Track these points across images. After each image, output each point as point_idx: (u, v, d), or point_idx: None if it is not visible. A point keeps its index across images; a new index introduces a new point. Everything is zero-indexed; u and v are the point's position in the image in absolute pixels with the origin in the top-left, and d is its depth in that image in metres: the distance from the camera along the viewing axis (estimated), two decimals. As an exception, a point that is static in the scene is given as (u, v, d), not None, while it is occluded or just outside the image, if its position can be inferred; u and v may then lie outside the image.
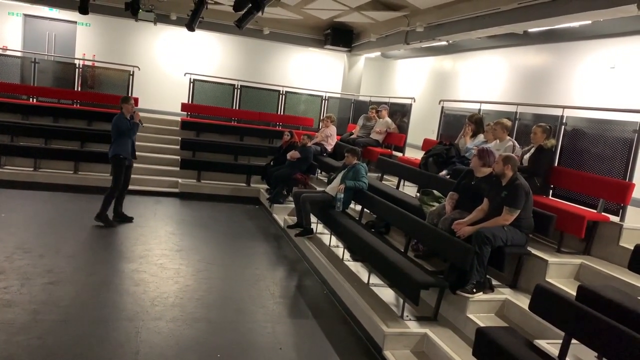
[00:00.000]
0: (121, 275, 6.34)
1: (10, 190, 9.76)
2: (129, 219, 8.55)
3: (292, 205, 9.18)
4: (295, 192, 8.60)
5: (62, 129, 11.35)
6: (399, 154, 10.44)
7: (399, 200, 7.23)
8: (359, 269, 6.73)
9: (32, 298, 5.32)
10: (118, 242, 7.69)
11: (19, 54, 13.23)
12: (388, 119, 10.97)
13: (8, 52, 13.10)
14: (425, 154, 8.39)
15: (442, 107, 9.80)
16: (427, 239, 5.99)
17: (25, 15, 13.78)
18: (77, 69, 12.88)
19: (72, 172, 10.80)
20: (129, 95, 12.19)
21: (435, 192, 6.72)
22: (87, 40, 14.91)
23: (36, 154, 10.72)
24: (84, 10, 10.80)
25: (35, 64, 12.43)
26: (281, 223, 9.30)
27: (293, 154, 10.27)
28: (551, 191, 6.55)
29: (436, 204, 6.44)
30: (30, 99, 12.44)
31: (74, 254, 6.83)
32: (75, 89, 12.86)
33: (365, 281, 6.20)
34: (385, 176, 10.09)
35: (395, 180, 9.52)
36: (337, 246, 7.62)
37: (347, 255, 7.16)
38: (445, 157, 7.96)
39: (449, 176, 7.41)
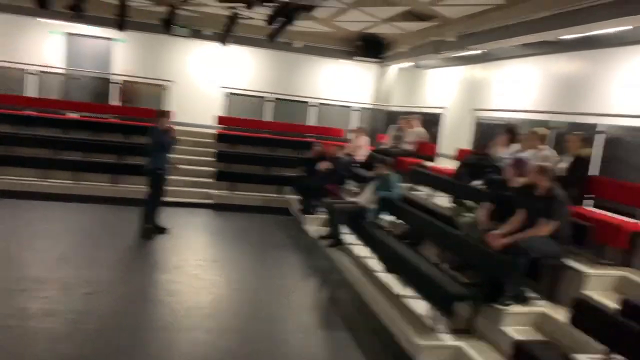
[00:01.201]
0: (156, 286, 6.46)
1: (51, 203, 10.07)
2: (165, 230, 8.69)
3: (324, 216, 9.20)
4: (327, 202, 8.62)
5: (100, 143, 11.69)
6: (431, 164, 10.36)
7: (432, 211, 7.16)
8: (392, 281, 6.68)
9: (71, 307, 5.47)
10: (154, 252, 7.84)
11: (60, 70, 13.71)
12: (419, 129, 10.91)
13: (50, 69, 13.58)
14: (458, 163, 8.29)
15: (475, 116, 9.68)
16: (461, 251, 5.91)
17: (66, 34, 14.27)
18: (114, 84, 13.25)
19: (109, 184, 11.08)
20: (163, 109, 12.47)
21: (469, 202, 6.64)
22: (123, 56, 15.34)
23: (75, 167, 11.05)
24: (121, 28, 11.14)
25: (75, 80, 12.86)
26: (313, 234, 9.33)
27: (324, 165, 10.30)
28: (588, 201, 6.39)
29: (470, 215, 6.36)
30: (71, 114, 12.86)
31: (111, 265, 7.00)
32: (112, 104, 13.24)
33: (398, 293, 6.15)
34: (417, 186, 10.01)
35: (427, 190, 9.44)
36: (369, 257, 7.59)
37: (379, 267, 7.12)
38: (479, 167, 7.86)
39: (483, 186, 7.30)
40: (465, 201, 6.66)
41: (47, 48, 13.90)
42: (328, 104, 14.22)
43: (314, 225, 9.60)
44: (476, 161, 7.96)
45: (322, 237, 8.42)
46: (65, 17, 11.43)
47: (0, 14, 12.82)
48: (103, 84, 13.43)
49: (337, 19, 12.19)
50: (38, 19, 12.86)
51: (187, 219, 10.01)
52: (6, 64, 12.65)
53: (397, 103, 15.48)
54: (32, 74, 12.80)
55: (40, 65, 13.12)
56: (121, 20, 10.91)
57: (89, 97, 13.15)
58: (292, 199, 11.40)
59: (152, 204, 8.36)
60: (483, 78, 14.30)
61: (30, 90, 12.87)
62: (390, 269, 7.00)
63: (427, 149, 10.69)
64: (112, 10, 11.14)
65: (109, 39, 14.30)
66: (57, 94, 13.02)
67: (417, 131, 10.87)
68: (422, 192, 9.46)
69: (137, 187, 10.68)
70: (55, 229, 8.54)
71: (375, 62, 15.20)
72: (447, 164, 9.83)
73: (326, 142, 11.70)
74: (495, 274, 4.99)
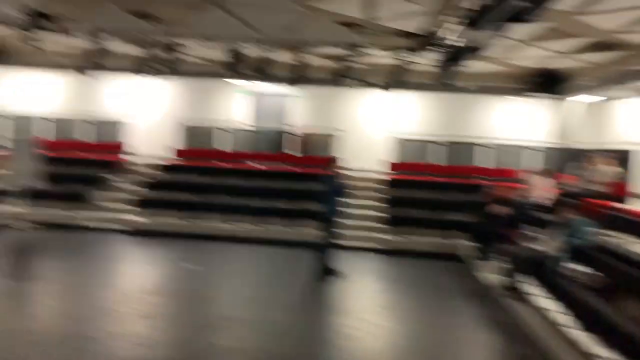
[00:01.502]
0: (332, 329, 6.60)
1: (236, 244, 11.05)
2: (339, 274, 8.81)
3: (501, 264, 8.64)
4: (504, 249, 8.11)
5: (280, 190, 12.63)
6: (626, 207, 9.19)
7: (629, 260, 6.30)
8: (585, 339, 5.95)
9: (257, 346, 5.82)
10: (328, 295, 8.07)
11: (244, 126, 15.29)
12: (610, 168, 9.81)
13: (236, 125, 15.22)
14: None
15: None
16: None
17: (252, 93, 15.89)
18: (290, 136, 14.34)
19: (289, 228, 11.81)
20: (335, 156, 13.06)
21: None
22: (300, 109, 16.54)
23: (256, 212, 12.03)
24: (296, 84, 12.07)
25: (257, 134, 14.22)
26: (489, 282, 8.78)
27: (500, 209, 9.76)
28: None
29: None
30: (253, 164, 14.18)
31: (290, 306, 7.36)
32: (289, 153, 14.30)
33: (594, 353, 5.44)
34: (609, 232, 8.92)
35: (621, 236, 8.35)
36: (556, 310, 6.88)
37: (567, 321, 6.40)
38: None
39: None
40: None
41: (235, 106, 15.57)
42: (502, 144, 13.58)
43: (490, 273, 9.05)
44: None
45: (500, 287, 7.89)
46: (250, 78, 12.77)
47: (197, 79, 14.78)
48: (281, 136, 14.62)
49: (510, 55, 11.74)
50: (227, 81, 14.54)
51: (359, 263, 10.17)
52: (201, 122, 14.52)
53: (579, 140, 14.19)
54: (222, 129, 14.46)
55: (228, 122, 14.78)
56: (298, 78, 11.82)
57: (268, 149, 14.41)
58: (466, 244, 10.95)
59: (325, 247, 8.67)
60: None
61: (221, 144, 14.50)
62: (580, 324, 6.26)
63: (618, 190, 9.55)
64: (290, 69, 12.15)
65: (286, 95, 15.55)
66: (242, 146, 14.49)
67: (608, 170, 9.78)
68: (618, 239, 8.40)
69: (313, 231, 11.23)
70: (240, 270, 9.30)
71: (552, 97, 14.20)
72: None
73: (501, 184, 11.11)
74: None
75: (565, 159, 12.81)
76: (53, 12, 8.86)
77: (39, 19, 8.76)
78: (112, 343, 5.59)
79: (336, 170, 8.74)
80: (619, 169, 9.70)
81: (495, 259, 9.54)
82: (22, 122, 14.86)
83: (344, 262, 9.57)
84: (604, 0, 7.55)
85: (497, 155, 13.46)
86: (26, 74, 15.07)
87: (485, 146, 13.38)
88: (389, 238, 11.40)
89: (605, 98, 14.61)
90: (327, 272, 8.80)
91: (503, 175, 12.91)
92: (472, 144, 13.53)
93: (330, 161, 8.99)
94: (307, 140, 14.52)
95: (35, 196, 11.78)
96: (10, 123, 14.92)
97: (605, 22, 8.73)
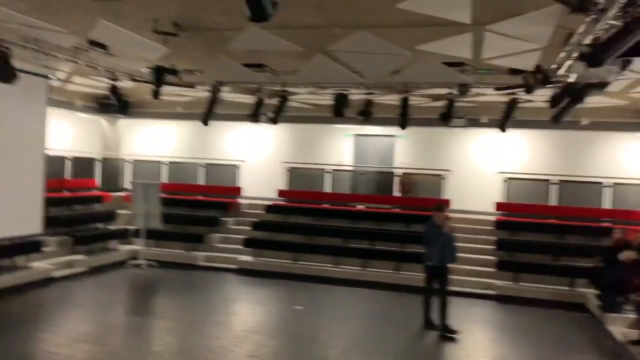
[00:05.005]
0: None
1: (342, 287, 11.00)
2: (452, 332, 7.90)
3: (632, 316, 7.80)
4: (636, 300, 7.33)
5: (384, 232, 12.49)
6: None
7: None
8: None
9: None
10: (437, 344, 7.70)
11: (350, 167, 15.46)
12: None
13: (342, 167, 15.44)
14: None
15: None
16: None
17: (356, 135, 16.11)
18: (395, 177, 14.26)
19: (393, 271, 11.59)
20: (442, 202, 12.74)
21: None
22: (404, 150, 16.43)
23: (363, 255, 11.95)
24: (403, 125, 12.02)
25: (362, 175, 14.30)
26: (619, 337, 7.94)
27: (628, 255, 8.87)
28: None
29: None
30: (359, 206, 14.21)
31: (396, 354, 7.15)
32: (395, 195, 14.18)
33: None
34: None
35: None
36: None
37: None
38: None
39: None
40: None
41: (341, 148, 15.85)
42: (626, 184, 12.50)
43: (620, 326, 8.21)
44: None
45: (633, 342, 7.10)
46: (355, 122, 12.94)
47: (307, 124, 15.30)
48: (387, 177, 14.59)
49: (634, 90, 10.88)
50: (335, 125, 14.87)
51: (469, 310, 9.68)
52: (311, 165, 14.92)
53: None
54: (328, 172, 14.72)
55: (335, 165, 15.05)
56: (403, 119, 11.78)
57: (374, 190, 14.40)
58: (589, 293, 10.05)
59: (424, 296, 8.26)
60: None
61: (327, 185, 14.74)
62: None
63: None
64: (395, 111, 12.16)
65: (391, 136, 15.57)
66: (347, 188, 14.63)
67: None
68: None
69: (418, 275, 10.91)
70: (346, 313, 9.22)
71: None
72: None
73: (627, 227, 10.16)
74: None
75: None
76: (178, 67, 9.65)
77: (164, 74, 9.56)
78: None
79: (441, 217, 8.14)
80: None
81: (627, 311, 8.66)
82: (143, 167, 16.17)
83: (454, 308, 8.94)
84: None
85: (621, 195, 12.37)
86: (148, 122, 16.46)
87: (607, 186, 12.36)
88: (501, 284, 10.76)
89: None
90: (441, 330, 8.01)
91: (629, 217, 11.83)
92: (590, 183, 12.60)
93: (436, 207, 8.42)
94: (413, 182, 14.33)
95: (153, 236, 12.71)
96: (133, 167, 16.30)
97: None
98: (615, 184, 12.42)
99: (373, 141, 16.18)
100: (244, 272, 12.01)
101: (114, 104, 11.11)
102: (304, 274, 11.67)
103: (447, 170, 13.58)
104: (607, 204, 12.35)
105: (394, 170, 14.99)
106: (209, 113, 11.01)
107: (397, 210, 13.82)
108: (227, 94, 11.54)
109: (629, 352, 7.34)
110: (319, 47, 8.33)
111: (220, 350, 6.85)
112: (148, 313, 9.04)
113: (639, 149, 15.25)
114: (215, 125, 14.90)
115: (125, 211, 13.81)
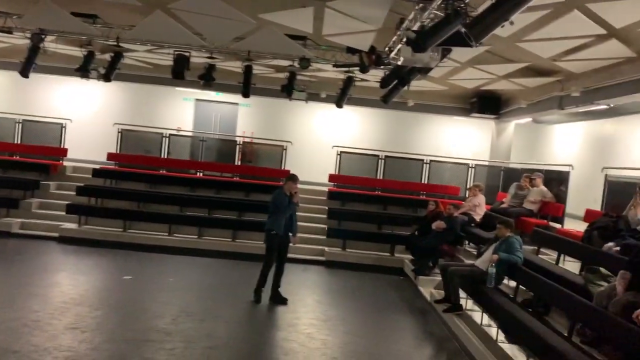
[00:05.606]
0: (272, 343, 6.54)
1: (178, 256, 10.75)
2: (283, 301, 8.10)
3: (439, 278, 8.85)
4: (442, 264, 8.32)
5: (224, 200, 12.40)
6: (557, 226, 9.66)
7: (560, 278, 6.61)
8: (515, 352, 6.17)
9: (193, 360, 5.69)
10: (269, 309, 7.97)
11: (189, 133, 15.01)
12: (543, 188, 10.30)
13: (181, 132, 14.91)
14: (588, 226, 7.67)
15: (606, 175, 8.98)
16: (596, 324, 5.34)
17: (196, 100, 15.65)
18: (237, 146, 14.20)
19: (231, 240, 11.62)
20: (282, 169, 13.02)
21: (602, 269, 6.05)
22: (247, 119, 16.44)
23: (200, 223, 11.76)
24: (246, 94, 11.98)
25: (203, 142, 13.98)
26: (427, 297, 8.98)
27: (439, 224, 10.01)
28: None
29: (605, 284, 5.78)
30: (197, 173, 13.90)
31: (229, 320, 7.24)
32: (236, 164, 14.14)
33: (523, 367, 5.65)
34: (542, 250, 9.34)
35: (553, 254, 8.76)
36: (490, 325, 7.11)
37: (501, 336, 6.63)
38: (612, 230, 7.19)
39: (618, 252, 6.63)
40: (599, 268, 6.07)
41: (180, 113, 15.30)
42: (442, 162, 14.00)
43: (429, 288, 9.27)
44: (608, 224, 7.31)
45: (438, 301, 8.08)
46: (197, 86, 12.56)
47: (143, 85, 14.43)
48: (228, 145, 14.45)
49: (452, 77, 12.15)
50: (174, 88, 14.26)
51: (300, 275, 10.14)
52: (146, 128, 14.12)
53: (516, 160, 14.84)
54: (166, 137, 14.08)
55: (172, 129, 14.46)
56: (245, 87, 11.74)
57: (215, 158, 14.18)
58: (406, 258, 11.15)
59: (265, 265, 8.13)
60: (613, 133, 13.32)
61: (164, 151, 14.13)
62: (513, 340, 6.49)
63: (551, 209, 10.02)
64: (238, 79, 12.06)
65: (235, 103, 15.43)
66: (186, 154, 14.20)
67: (541, 190, 10.27)
68: (548, 256, 8.81)
69: (257, 243, 11.06)
70: (180, 282, 9.05)
71: (492, 118, 14.81)
72: (575, 226, 9.13)
73: (441, 200, 11.42)
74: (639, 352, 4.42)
75: (504, 178, 13.32)
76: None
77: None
78: (38, 357, 5.30)
79: (292, 188, 8.14)
80: (546, 189, 10.18)
81: (435, 274, 9.78)
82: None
83: (285, 273, 9.27)
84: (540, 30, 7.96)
85: (438, 172, 13.83)
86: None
87: (427, 163, 13.72)
88: (330, 250, 11.41)
89: (540, 121, 15.39)
90: (272, 298, 8.13)
91: (444, 191, 13.27)
92: (414, 160, 13.85)
93: (288, 178, 8.33)
94: (254, 151, 14.42)
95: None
96: None
97: (541, 50, 9.20)
98: (432, 161, 13.80)
99: (215, 107, 15.91)
100: (67, 240, 11.06)
101: None
102: (135, 242, 11.10)
103: (288, 141, 13.88)
104: (425, 179, 13.70)
105: (236, 138, 14.91)
106: (28, 64, 9.81)
107: (236, 178, 13.79)
108: (51, 44, 10.37)
109: (434, 309, 8.34)
110: (158, 2, 7.87)
111: (36, 324, 6.27)
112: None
113: (454, 131, 17.20)
114: (38, 78, 13.36)
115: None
